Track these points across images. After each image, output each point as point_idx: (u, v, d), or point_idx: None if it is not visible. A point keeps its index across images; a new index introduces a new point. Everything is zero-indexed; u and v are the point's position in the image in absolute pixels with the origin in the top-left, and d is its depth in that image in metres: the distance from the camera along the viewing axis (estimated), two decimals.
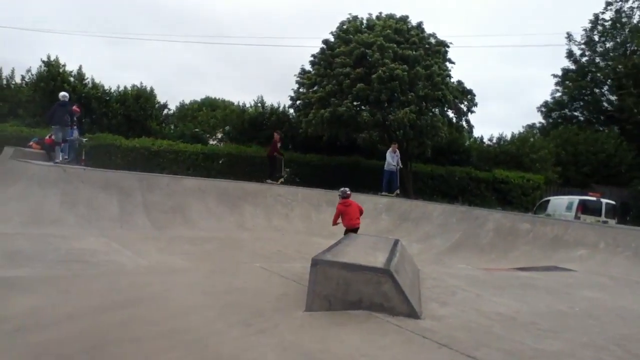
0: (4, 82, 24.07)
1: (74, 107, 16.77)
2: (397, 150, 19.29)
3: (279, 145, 20.16)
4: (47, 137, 17.23)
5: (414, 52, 21.65)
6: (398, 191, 19.25)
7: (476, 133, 30.97)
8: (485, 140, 32.80)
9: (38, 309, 5.06)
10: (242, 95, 79.96)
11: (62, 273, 7.05)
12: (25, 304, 5.04)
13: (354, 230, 10.95)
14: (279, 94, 61.85)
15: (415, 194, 22.87)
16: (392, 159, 18.84)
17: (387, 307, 4.93)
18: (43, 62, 23.21)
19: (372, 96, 21.05)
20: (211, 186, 15.60)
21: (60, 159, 15.00)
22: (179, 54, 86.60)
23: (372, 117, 21.18)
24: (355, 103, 22.27)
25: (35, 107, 22.41)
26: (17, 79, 24.71)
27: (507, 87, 78.93)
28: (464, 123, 25.55)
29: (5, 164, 15.34)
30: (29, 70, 24.42)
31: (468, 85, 24.85)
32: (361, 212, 11.46)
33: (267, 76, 78.41)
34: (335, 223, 11.34)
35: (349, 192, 11.54)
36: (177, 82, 79.78)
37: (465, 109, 24.83)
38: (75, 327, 4.85)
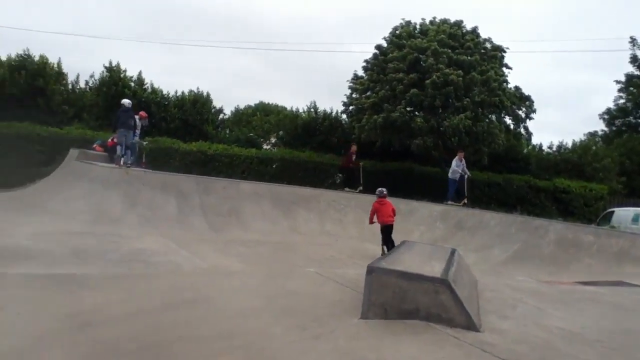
0: (70, 87, 25.21)
1: (141, 113, 17.35)
2: (463, 158, 18.74)
3: (354, 157, 20.11)
4: (110, 140, 17.91)
5: (469, 57, 21.20)
6: (466, 200, 18.48)
7: (535, 140, 30.02)
8: (545, 147, 31.68)
9: (103, 306, 5.25)
10: (295, 101, 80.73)
11: (125, 272, 7.28)
12: (91, 300, 5.24)
13: (388, 227, 11.93)
14: (332, 99, 62.00)
15: (471, 202, 22.37)
16: (457, 166, 18.33)
17: (445, 318, 4.84)
18: (105, 67, 24.17)
19: (426, 102, 20.77)
20: (266, 190, 15.79)
21: (122, 162, 15.58)
22: (234, 60, 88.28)
23: (426, 123, 20.87)
24: (408, 109, 22.00)
25: (99, 110, 23.34)
26: (82, 84, 25.88)
27: (566, 94, 76.03)
28: (522, 130, 24.78)
29: (71, 165, 16.06)
30: (92, 76, 25.47)
31: (526, 91, 24.15)
32: (394, 212, 12.17)
33: (320, 82, 78.73)
34: (371, 221, 12.20)
35: (385, 192, 12.44)
36: (232, 87, 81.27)
37: (523, 115, 24.11)
38: (138, 324, 5.00)
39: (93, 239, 9.70)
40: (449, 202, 18.06)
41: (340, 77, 49.79)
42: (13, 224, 10.45)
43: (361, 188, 19.20)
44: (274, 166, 23.48)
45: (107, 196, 12.88)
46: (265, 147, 28.25)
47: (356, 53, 76.44)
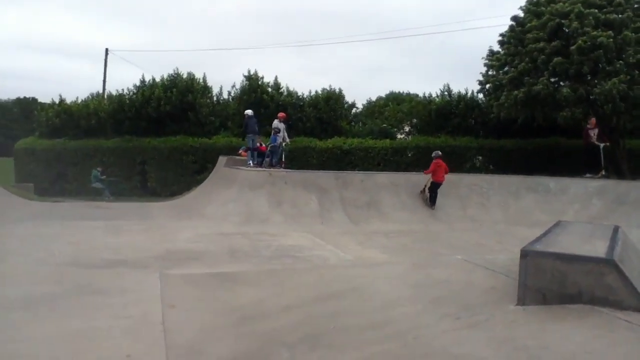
0: (215, 99, 27.18)
1: (280, 114, 18.03)
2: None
3: (593, 132, 17.36)
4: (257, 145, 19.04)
5: (619, 15, 19.10)
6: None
7: None
8: None
9: (260, 300, 5.58)
10: (427, 86, 79.18)
11: (277, 268, 7.68)
12: (249, 296, 5.59)
13: (438, 184, 14.68)
14: (466, 80, 59.73)
15: (631, 174, 20.22)
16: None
17: (612, 301, 4.41)
18: (245, 76, 25.72)
19: (572, 70, 19.10)
20: (403, 180, 15.69)
21: (252, 164, 16.54)
22: (363, 53, 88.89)
23: (574, 92, 19.19)
24: (552, 79, 20.43)
25: (241, 118, 24.81)
26: (225, 95, 27.78)
27: None
28: None
29: (220, 172, 17.31)
30: (233, 86, 27.24)
31: None
32: (446, 172, 14.96)
33: (451, 64, 76.58)
34: (427, 173, 15.16)
35: (440, 154, 15.26)
36: (362, 81, 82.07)
37: None
38: (293, 317, 5.24)
39: (245, 239, 10.36)
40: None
41: (474, 56, 47.86)
42: (175, 229, 11.55)
43: (603, 173, 16.82)
44: (409, 155, 23.26)
45: (255, 198, 13.68)
46: (399, 136, 28.04)
47: (491, 28, 72.83)
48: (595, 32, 18.43)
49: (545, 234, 5.95)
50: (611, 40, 18.21)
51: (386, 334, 4.58)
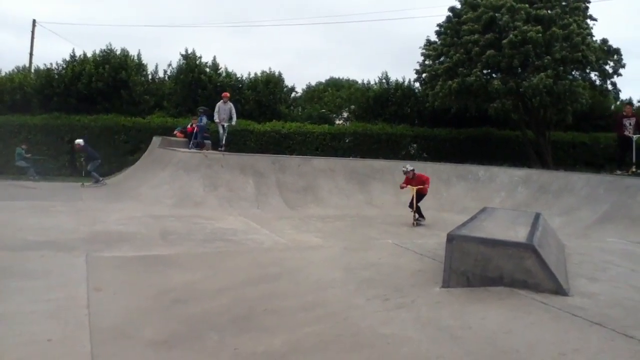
0: (150, 77, 26.28)
1: (223, 93, 17.56)
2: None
3: (629, 122, 14.51)
4: (189, 126, 18.59)
5: (549, 12, 19.96)
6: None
7: (624, 96, 27.78)
8: (636, 103, 29.46)
9: (191, 283, 5.52)
10: (366, 73, 79.89)
11: (210, 251, 7.60)
12: (180, 279, 5.52)
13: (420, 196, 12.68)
14: (404, 68, 60.74)
15: (555, 164, 21.35)
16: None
17: (531, 284, 4.68)
18: (182, 55, 24.97)
19: (503, 63, 19.85)
20: (340, 165, 15.86)
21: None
22: (303, 38, 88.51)
23: (504, 85, 19.97)
24: (485, 71, 21.11)
25: (177, 98, 24.22)
26: (160, 74, 26.90)
27: None
28: (609, 86, 23.14)
29: (154, 153, 16.85)
30: (169, 65, 26.45)
31: (613, 43, 22.39)
32: (427, 182, 12.91)
33: (390, 52, 77.50)
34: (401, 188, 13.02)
35: (409, 170, 12.93)
36: (302, 66, 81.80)
37: (610, 70, 22.44)
38: (224, 300, 5.22)
39: (179, 222, 10.18)
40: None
41: (412, 44, 48.54)
42: (105, 211, 11.18)
43: (634, 170, 14.04)
44: (347, 141, 23.49)
45: (190, 180, 13.43)
46: (337, 122, 28.24)
47: (429, 18, 74.23)
48: (525, 27, 19.19)
49: (471, 220, 6.21)
50: (540, 35, 19.01)
51: (317, 315, 4.65)
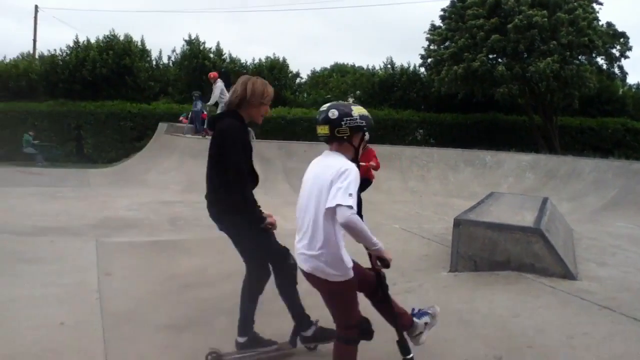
0: (154, 63, 26.24)
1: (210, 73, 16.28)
2: None
3: None
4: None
5: None
6: None
7: (631, 80, 27.59)
8: None
9: (201, 268, 5.55)
10: (371, 59, 79.37)
11: (218, 236, 7.59)
12: (189, 264, 5.54)
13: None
14: (409, 54, 60.21)
15: (563, 149, 21.23)
16: None
17: (539, 268, 4.68)
18: (185, 41, 24.90)
19: (508, 47, 19.68)
20: None
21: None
22: (307, 24, 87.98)
23: (510, 70, 19.82)
24: (490, 56, 20.97)
25: (182, 84, 24.18)
26: (165, 60, 26.84)
27: None
28: (616, 70, 22.91)
29: (161, 139, 16.86)
30: (173, 51, 26.33)
31: (620, 27, 22.10)
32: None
33: (395, 37, 76.85)
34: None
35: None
36: (307, 52, 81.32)
37: (617, 54, 22.20)
38: (233, 284, 5.22)
39: (187, 207, 10.21)
40: None
41: (417, 29, 48.19)
42: (114, 196, 11.22)
43: None
44: None
45: (197, 166, 13.42)
46: None
47: (434, 2, 73.46)
48: (531, 12, 18.99)
49: (478, 205, 6.20)
50: (545, 20, 18.81)
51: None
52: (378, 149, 16.08)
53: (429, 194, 13.99)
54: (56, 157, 19.67)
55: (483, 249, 4.89)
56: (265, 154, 14.22)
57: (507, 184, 14.31)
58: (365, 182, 7.44)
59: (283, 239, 7.54)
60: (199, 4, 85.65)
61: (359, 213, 2.53)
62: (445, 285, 4.70)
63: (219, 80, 15.27)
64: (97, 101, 21.40)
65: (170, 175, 13.25)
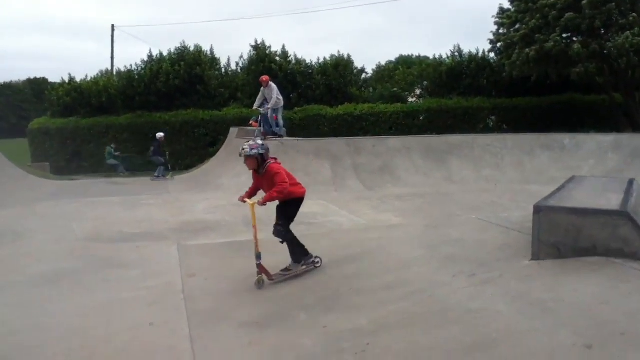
0: (223, 70, 27.00)
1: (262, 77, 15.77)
2: None
3: None
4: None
5: None
6: None
7: None
8: None
9: (276, 266, 5.68)
10: (437, 49, 77.79)
11: None
12: (266, 262, 5.66)
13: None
14: (477, 40, 58.48)
15: None
16: None
17: (628, 253, 4.44)
18: (252, 47, 25.45)
19: (583, 25, 18.64)
20: (415, 143, 15.59)
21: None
22: (369, 19, 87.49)
23: (586, 48, 18.78)
24: (564, 35, 19.99)
25: (250, 89, 24.66)
26: (233, 66, 27.55)
27: None
28: None
29: (232, 144, 17.33)
30: (241, 57, 26.98)
31: None
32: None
33: (462, 24, 75.00)
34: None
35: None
36: (371, 46, 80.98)
37: None
38: (309, 281, 5.36)
39: (260, 209, 10.43)
40: None
41: (485, 14, 46.78)
42: (192, 201, 11.69)
43: None
44: (421, 118, 23.07)
45: None
46: (410, 100, 27.76)
47: None
48: None
49: (558, 190, 5.95)
50: None
51: (402, 293, 4.65)
52: (449, 139, 15.89)
53: (504, 181, 13.56)
54: (136, 167, 20.69)
55: (566, 236, 4.69)
56: (334, 151, 14.28)
57: (588, 167, 13.61)
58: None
59: (355, 234, 7.57)
60: (264, 10, 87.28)
61: None
62: (527, 274, 4.55)
63: (271, 82, 15.48)
64: (172, 111, 22.33)
65: (242, 178, 13.58)
